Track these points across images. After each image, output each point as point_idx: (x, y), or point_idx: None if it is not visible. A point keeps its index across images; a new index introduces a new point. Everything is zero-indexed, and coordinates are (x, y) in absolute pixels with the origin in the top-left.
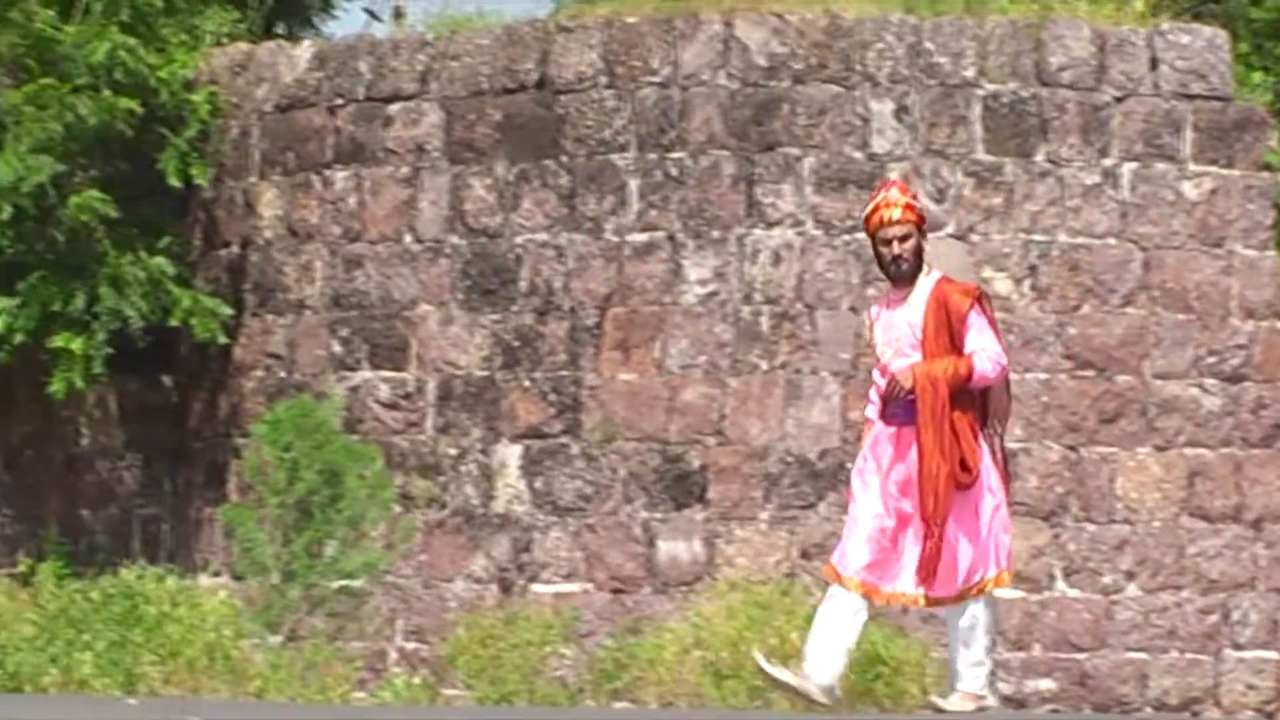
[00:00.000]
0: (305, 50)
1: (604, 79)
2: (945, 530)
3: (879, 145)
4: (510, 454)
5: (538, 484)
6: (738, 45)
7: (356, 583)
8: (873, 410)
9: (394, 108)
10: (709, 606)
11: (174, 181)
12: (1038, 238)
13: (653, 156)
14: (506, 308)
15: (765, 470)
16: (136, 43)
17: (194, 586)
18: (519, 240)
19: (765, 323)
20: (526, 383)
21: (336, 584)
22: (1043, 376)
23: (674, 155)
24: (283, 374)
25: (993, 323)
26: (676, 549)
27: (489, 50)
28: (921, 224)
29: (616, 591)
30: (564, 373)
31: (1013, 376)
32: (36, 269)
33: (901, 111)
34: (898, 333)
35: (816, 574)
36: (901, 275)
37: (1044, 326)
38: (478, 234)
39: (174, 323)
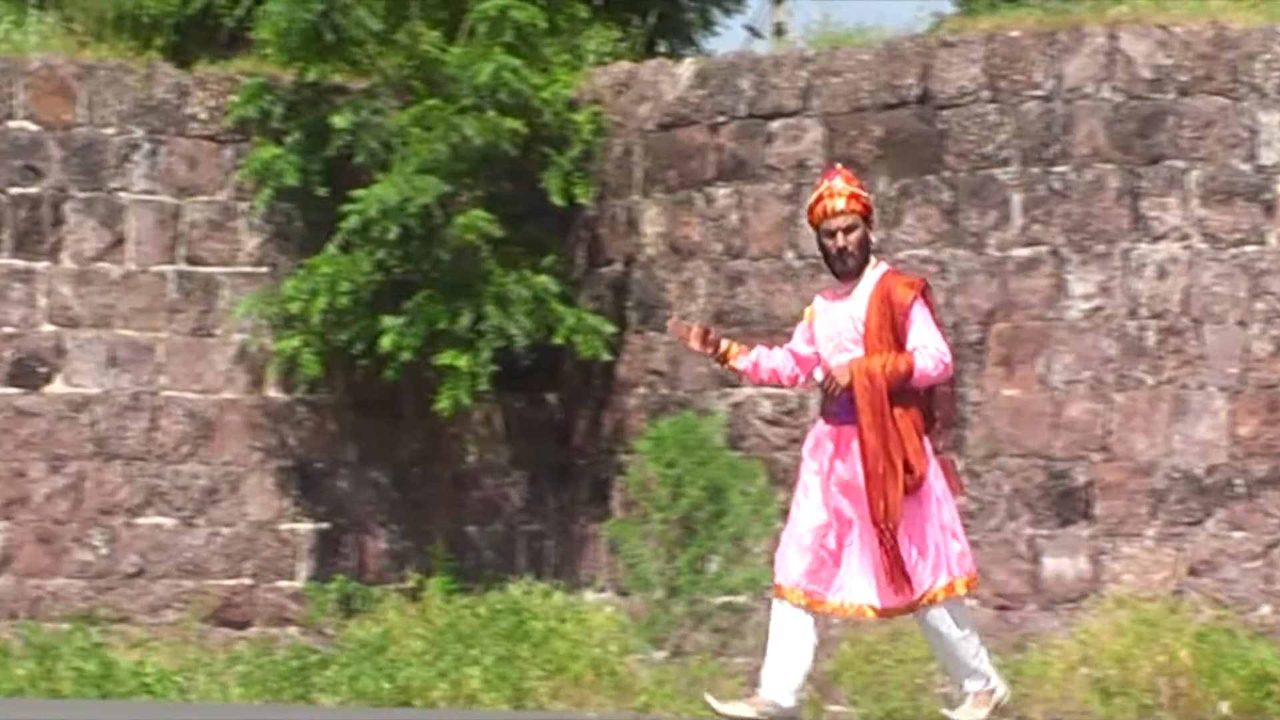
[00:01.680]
0: (687, 68)
1: (986, 93)
2: (899, 535)
3: (1267, 157)
4: None
5: None
6: (1122, 57)
7: (740, 598)
8: (743, 361)
9: (775, 124)
10: (1096, 623)
11: (558, 200)
12: None
13: (1036, 170)
14: None
15: (1151, 486)
16: (520, 63)
17: (580, 602)
18: (901, 256)
19: (1151, 337)
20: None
21: (720, 599)
22: None
23: (1057, 169)
24: (665, 391)
25: (936, 317)
26: (1062, 566)
27: (870, 66)
28: (868, 214)
29: (1002, 608)
30: (946, 388)
31: None
32: (423, 288)
33: None
34: (839, 326)
35: (1205, 591)
36: (847, 269)
37: None
38: None
39: (558, 340)
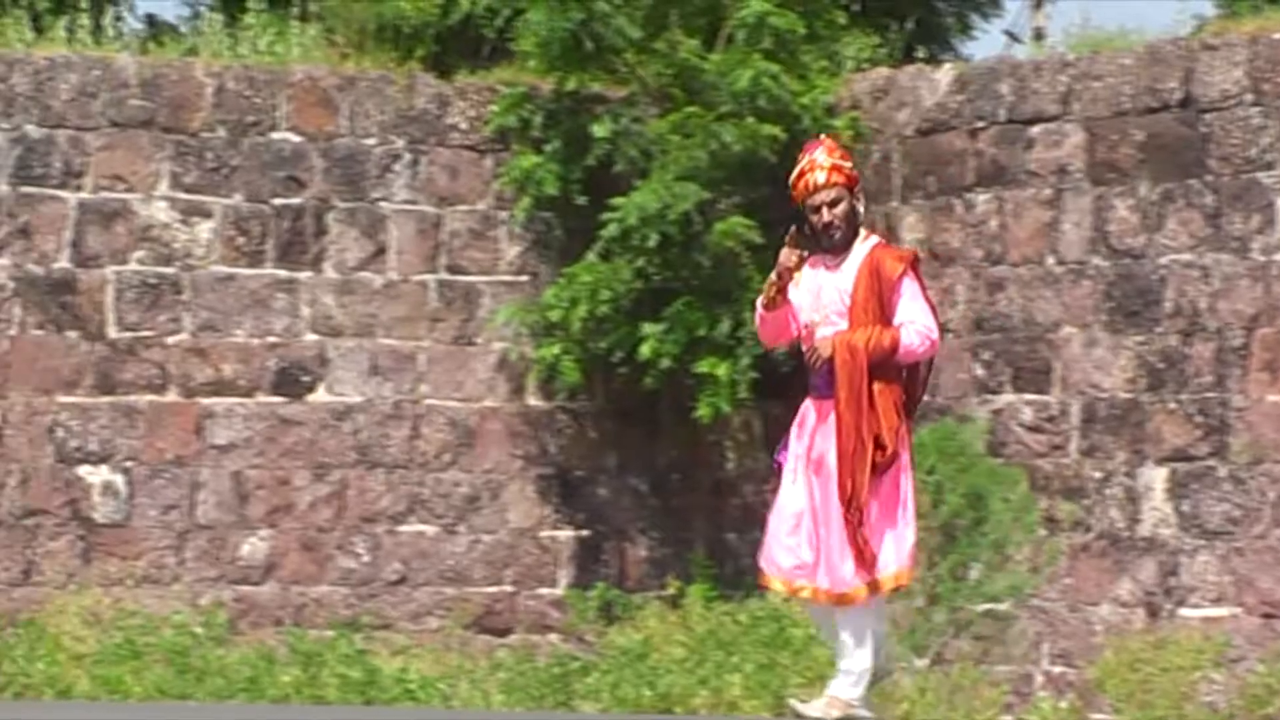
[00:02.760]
0: (946, 74)
1: (1249, 96)
2: (867, 517)
3: None
4: (1156, 477)
5: (1184, 507)
6: None
7: (1002, 606)
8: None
9: (1035, 129)
10: None
11: None
12: None
13: None
14: (1151, 329)
15: None
16: (779, 69)
17: None
18: (1163, 261)
19: None
20: (1172, 405)
21: (982, 607)
22: None
23: None
24: (925, 397)
25: (926, 292)
26: None
27: (1131, 70)
28: (853, 185)
29: (1267, 616)
30: (1210, 394)
31: None
32: (682, 295)
33: None
34: (826, 299)
35: None
36: (835, 244)
37: None
38: (1121, 255)
39: None
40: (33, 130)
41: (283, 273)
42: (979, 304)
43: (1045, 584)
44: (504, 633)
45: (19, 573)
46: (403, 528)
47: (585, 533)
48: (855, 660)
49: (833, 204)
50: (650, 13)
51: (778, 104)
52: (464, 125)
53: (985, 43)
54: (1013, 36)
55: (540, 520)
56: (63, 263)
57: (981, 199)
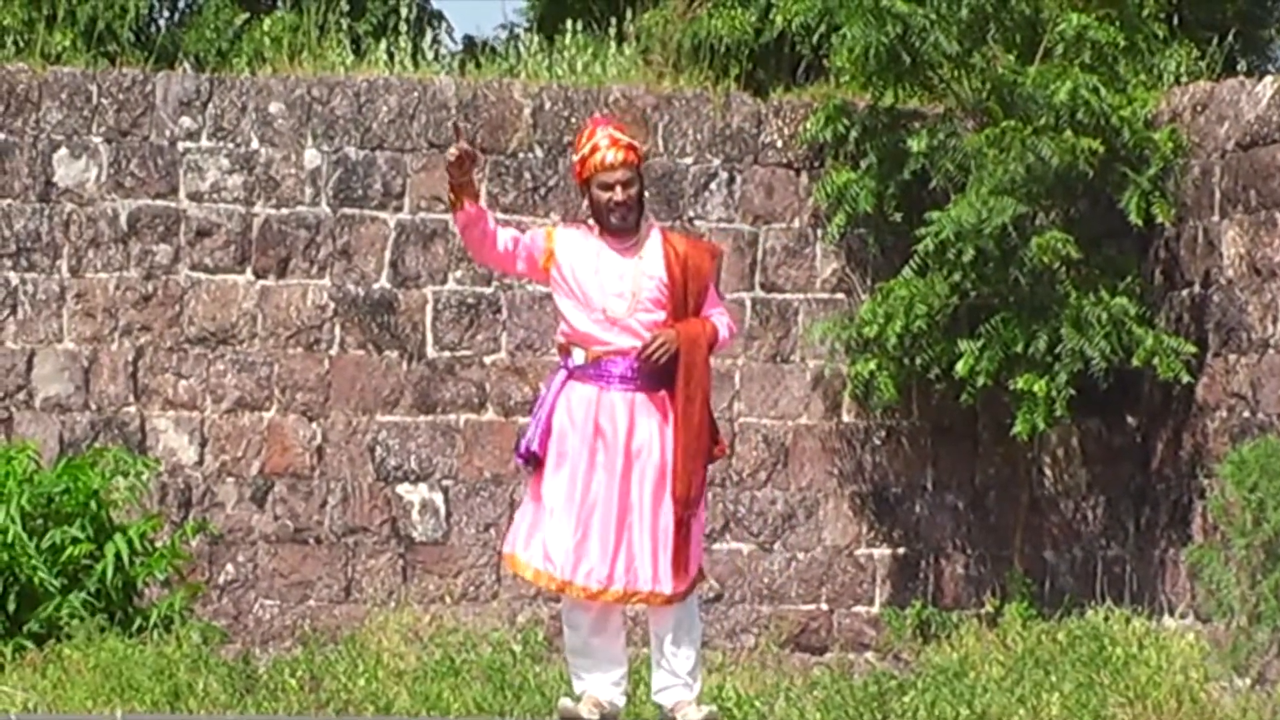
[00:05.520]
0: (1268, 86)
1: None
2: (700, 515)
3: None
4: None
5: None
6: None
7: None
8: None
9: None
10: None
11: (1136, 221)
12: None
13: None
14: None
15: None
16: (1098, 82)
17: (1160, 628)
18: None
19: None
20: None
21: None
22: None
23: None
24: (1247, 414)
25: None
26: None
27: None
28: (640, 166)
29: None
30: None
31: None
32: (999, 310)
33: None
34: (633, 285)
35: None
36: (625, 226)
37: None
38: None
39: (1136, 363)
40: (353, 152)
41: None
42: None
43: None
44: (820, 651)
45: (340, 590)
46: (718, 545)
47: (901, 550)
48: (688, 659)
49: (626, 184)
50: (967, 27)
51: (1097, 117)
52: (779, 143)
53: None
54: None
55: (856, 538)
56: (382, 283)
57: None
